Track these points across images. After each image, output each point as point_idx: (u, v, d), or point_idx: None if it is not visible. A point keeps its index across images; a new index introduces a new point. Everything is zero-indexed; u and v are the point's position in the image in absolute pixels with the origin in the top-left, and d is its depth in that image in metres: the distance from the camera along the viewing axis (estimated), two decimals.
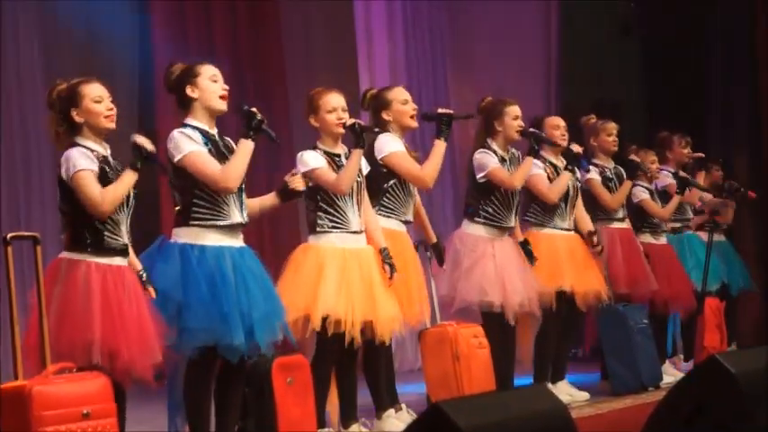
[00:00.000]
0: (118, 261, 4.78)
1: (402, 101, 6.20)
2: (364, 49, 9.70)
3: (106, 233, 4.73)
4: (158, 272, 4.98)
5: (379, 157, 6.08)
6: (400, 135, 6.22)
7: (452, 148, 9.18)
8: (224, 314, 4.92)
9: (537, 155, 6.86)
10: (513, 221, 6.81)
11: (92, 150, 4.76)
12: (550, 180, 7.12)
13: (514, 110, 6.77)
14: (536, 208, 7.16)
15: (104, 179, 4.75)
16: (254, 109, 5.07)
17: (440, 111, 6.26)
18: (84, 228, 4.71)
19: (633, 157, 7.75)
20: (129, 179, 4.82)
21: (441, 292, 6.65)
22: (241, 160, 5.01)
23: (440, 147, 6.16)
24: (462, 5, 10.35)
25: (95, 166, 4.73)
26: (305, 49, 9.47)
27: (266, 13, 9.13)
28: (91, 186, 4.68)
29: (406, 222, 6.27)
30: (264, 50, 9.13)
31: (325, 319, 5.59)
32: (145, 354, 4.68)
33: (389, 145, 6.10)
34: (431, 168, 6.15)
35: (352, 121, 5.82)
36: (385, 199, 6.15)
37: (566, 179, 7.11)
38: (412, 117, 6.20)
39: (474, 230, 6.73)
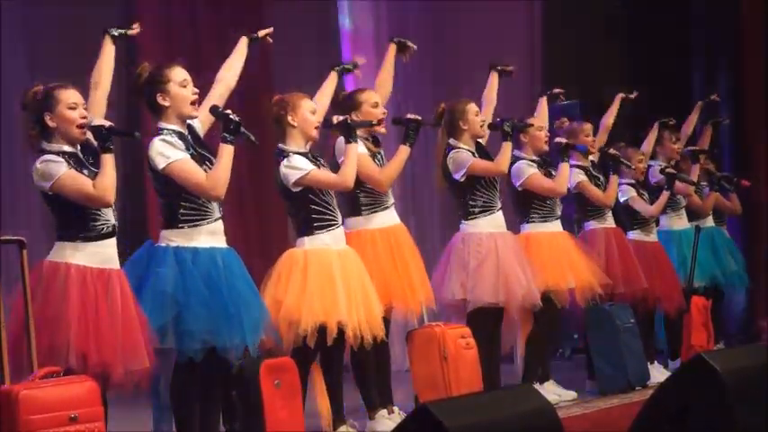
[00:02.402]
0: (103, 263, 4.71)
1: (372, 103, 6.18)
2: (349, 50, 9.67)
3: (91, 222, 4.69)
4: (156, 275, 4.96)
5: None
6: (366, 136, 6.19)
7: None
8: (224, 315, 4.94)
9: (512, 140, 6.80)
10: (499, 203, 6.79)
11: (63, 153, 4.71)
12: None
13: (473, 107, 6.77)
14: (536, 206, 7.18)
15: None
16: (228, 111, 5.09)
17: (409, 116, 6.18)
18: (75, 216, 4.67)
19: (613, 150, 7.73)
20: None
21: (447, 295, 6.64)
22: (225, 166, 5.02)
23: (403, 152, 6.10)
24: (449, 5, 10.32)
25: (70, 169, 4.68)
26: (291, 51, 9.44)
27: (252, 16, 9.12)
28: (79, 184, 4.65)
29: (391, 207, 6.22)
30: (250, 52, 9.09)
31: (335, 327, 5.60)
32: (125, 359, 4.63)
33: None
34: (390, 171, 6.10)
35: (344, 117, 5.83)
36: (362, 196, 6.12)
37: (566, 169, 7.16)
38: (380, 121, 6.13)
39: (474, 228, 6.71)
